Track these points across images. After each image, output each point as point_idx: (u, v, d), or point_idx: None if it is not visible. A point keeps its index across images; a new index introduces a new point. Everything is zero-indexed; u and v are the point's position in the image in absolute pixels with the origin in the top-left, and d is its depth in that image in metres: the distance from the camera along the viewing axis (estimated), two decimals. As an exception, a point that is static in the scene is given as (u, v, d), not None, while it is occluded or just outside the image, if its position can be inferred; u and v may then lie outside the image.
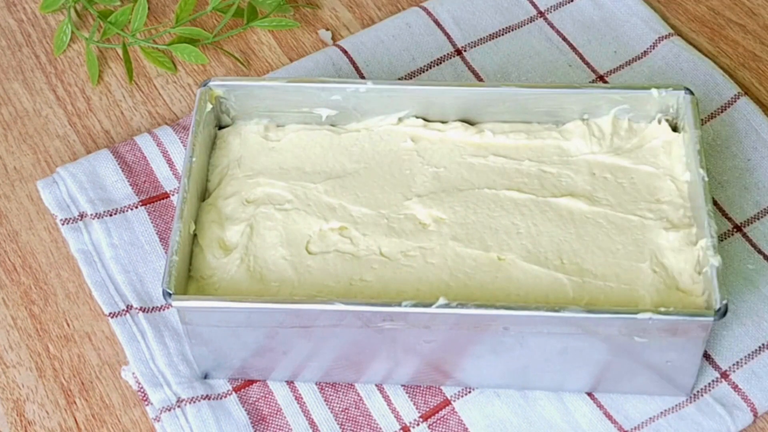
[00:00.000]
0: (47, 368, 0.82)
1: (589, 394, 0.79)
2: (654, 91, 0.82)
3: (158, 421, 0.79)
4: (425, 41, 0.97)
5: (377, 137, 0.84)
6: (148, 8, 0.99)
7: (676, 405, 0.78)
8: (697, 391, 0.78)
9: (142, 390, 0.80)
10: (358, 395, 0.80)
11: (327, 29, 1.00)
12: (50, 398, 0.81)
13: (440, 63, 0.96)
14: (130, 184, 0.89)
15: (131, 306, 0.83)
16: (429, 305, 0.73)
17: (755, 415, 0.78)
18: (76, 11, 1.01)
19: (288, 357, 0.78)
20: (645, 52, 0.95)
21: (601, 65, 0.95)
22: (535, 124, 0.84)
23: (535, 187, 0.81)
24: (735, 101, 0.91)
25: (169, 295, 0.74)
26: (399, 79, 0.95)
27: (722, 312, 0.72)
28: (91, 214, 0.87)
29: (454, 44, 0.97)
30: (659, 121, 0.83)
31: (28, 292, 0.86)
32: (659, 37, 0.96)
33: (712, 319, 0.71)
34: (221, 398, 0.80)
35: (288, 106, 0.84)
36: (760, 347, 0.80)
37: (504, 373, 0.78)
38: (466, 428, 0.78)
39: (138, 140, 0.91)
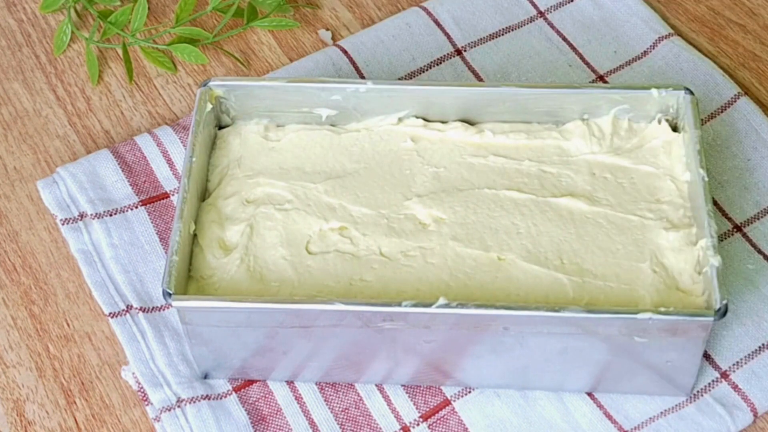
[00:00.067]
0: (47, 368, 0.82)
1: (589, 394, 0.79)
2: (654, 91, 0.82)
3: (158, 421, 0.79)
4: (425, 41, 0.97)
5: (377, 137, 0.84)
6: (148, 8, 0.99)
7: (676, 405, 0.78)
8: (697, 391, 0.78)
9: (142, 390, 0.80)
10: (358, 395, 0.80)
11: (327, 29, 1.00)
12: (50, 398, 0.81)
13: (440, 63, 0.96)
14: (130, 184, 0.89)
15: (131, 306, 0.83)
16: (429, 305, 0.73)
17: (755, 415, 0.78)
18: (76, 11, 1.01)
19: (288, 357, 0.78)
20: (645, 52, 0.95)
21: (601, 65, 0.95)
22: (535, 124, 0.84)
23: (535, 187, 0.81)
24: (735, 101, 0.91)
25: (169, 295, 0.74)
26: (399, 79, 0.95)
27: (722, 312, 0.72)
28: (91, 214, 0.87)
29: (454, 44, 0.97)
30: (659, 121, 0.83)
31: (28, 292, 0.86)
32: (659, 37, 0.96)
33: (712, 319, 0.71)
34: (221, 398, 0.80)
35: (288, 106, 0.84)
36: (760, 347, 0.80)
37: (504, 373, 0.78)
38: (466, 428, 0.78)
39: (138, 140, 0.91)
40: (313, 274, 0.77)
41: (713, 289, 0.72)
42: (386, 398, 0.79)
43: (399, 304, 0.73)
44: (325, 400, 0.79)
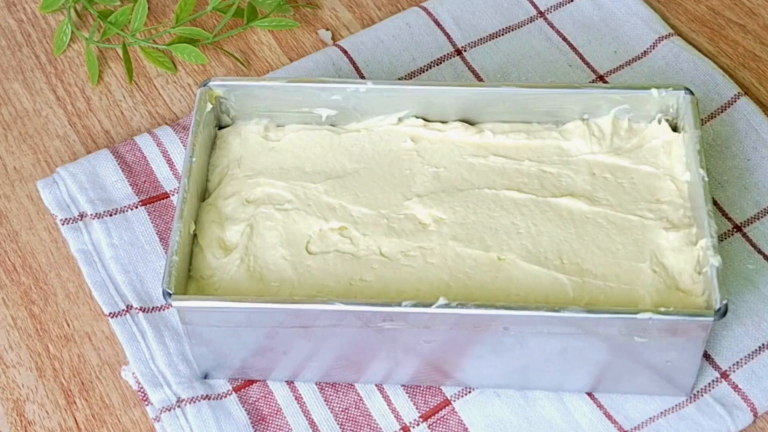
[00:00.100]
0: (47, 368, 0.82)
1: (589, 394, 0.79)
2: (654, 91, 0.82)
3: (158, 421, 0.79)
4: (425, 41, 0.97)
5: (377, 137, 0.84)
6: (148, 8, 0.99)
7: (676, 405, 0.78)
8: (697, 391, 0.78)
9: (142, 390, 0.80)
10: (358, 395, 0.80)
11: (327, 29, 1.00)
12: (50, 398, 0.81)
13: (440, 63, 0.96)
14: (130, 184, 0.89)
15: (131, 306, 0.83)
16: (429, 305, 0.73)
17: (755, 415, 0.78)
18: (76, 11, 1.01)
19: (288, 357, 0.78)
20: (645, 52, 0.95)
21: (601, 65, 0.95)
22: (535, 124, 0.84)
23: (535, 187, 0.81)
24: (735, 101, 0.91)
25: (169, 295, 0.74)
26: (399, 79, 0.95)
27: (722, 312, 0.72)
28: (91, 214, 0.87)
29: (454, 44, 0.97)
30: (659, 121, 0.83)
31: (28, 292, 0.86)
32: (659, 37, 0.96)
33: (712, 319, 0.71)
34: (221, 398, 0.80)
35: (288, 106, 0.84)
36: (760, 347, 0.80)
37: (504, 373, 0.78)
38: (466, 428, 0.78)
39: (138, 140, 0.91)
40: (313, 274, 0.77)
41: (713, 289, 0.72)
42: (386, 398, 0.79)
43: (399, 304, 0.73)
44: (325, 400, 0.79)
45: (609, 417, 0.78)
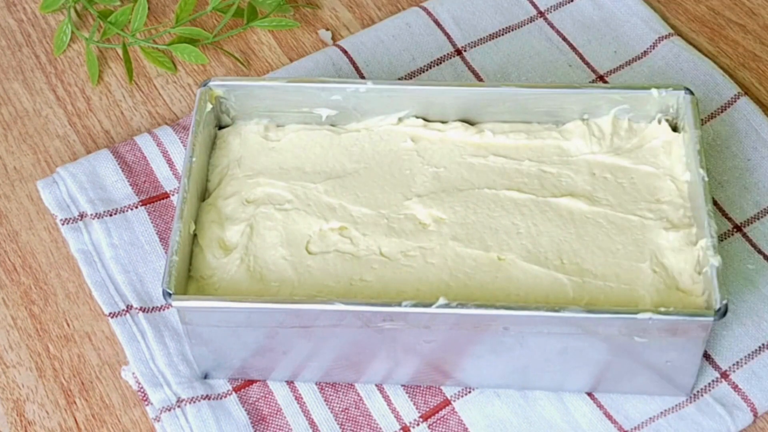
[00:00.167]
0: (47, 368, 0.82)
1: (589, 394, 0.79)
2: (654, 91, 0.82)
3: (158, 421, 0.79)
4: (425, 41, 0.97)
5: (377, 137, 0.84)
6: (148, 8, 0.99)
7: (676, 405, 0.78)
8: (697, 391, 0.78)
9: (142, 390, 0.80)
10: (358, 395, 0.80)
11: (327, 29, 1.00)
12: (50, 398, 0.81)
13: (440, 63, 0.96)
14: (130, 184, 0.89)
15: (131, 306, 0.83)
16: (429, 305, 0.73)
17: (755, 415, 0.78)
18: (76, 11, 1.01)
19: (288, 357, 0.78)
20: (645, 52, 0.95)
21: (601, 65, 0.95)
22: (535, 124, 0.84)
23: (535, 187, 0.81)
24: (735, 101, 0.91)
25: (169, 295, 0.74)
26: (399, 79, 0.95)
27: (722, 312, 0.72)
28: (91, 214, 0.87)
29: (454, 44, 0.97)
30: (659, 121, 0.83)
31: (28, 292, 0.86)
32: (659, 37, 0.96)
33: (712, 319, 0.71)
34: (221, 398, 0.80)
35: (288, 106, 0.84)
36: (760, 347, 0.80)
37: (504, 373, 0.78)
38: (466, 428, 0.78)
39: (138, 140, 0.91)
40: (313, 274, 0.77)
41: (713, 289, 0.72)
42: (386, 398, 0.79)
43: (399, 304, 0.73)
44: (325, 400, 0.79)
45: (609, 417, 0.78)
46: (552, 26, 0.97)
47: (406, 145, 0.84)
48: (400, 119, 0.84)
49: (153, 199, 0.88)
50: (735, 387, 0.78)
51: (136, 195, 0.89)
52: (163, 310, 0.83)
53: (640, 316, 0.71)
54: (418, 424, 0.78)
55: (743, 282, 0.82)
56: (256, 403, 0.80)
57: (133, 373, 0.81)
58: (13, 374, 0.82)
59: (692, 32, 0.98)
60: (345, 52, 0.96)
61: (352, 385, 0.80)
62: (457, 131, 0.84)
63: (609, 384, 0.78)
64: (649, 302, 0.75)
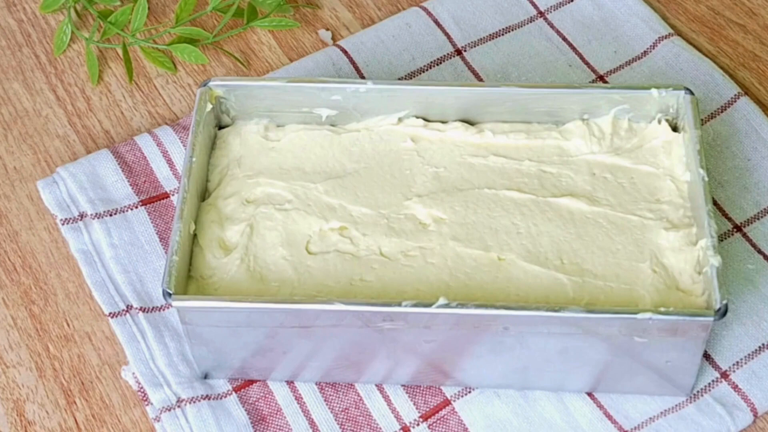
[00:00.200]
0: (47, 368, 0.82)
1: (589, 394, 0.79)
2: (654, 91, 0.82)
3: (158, 421, 0.79)
4: (425, 41, 0.97)
5: (377, 137, 0.84)
6: (148, 8, 0.99)
7: (676, 405, 0.78)
8: (697, 391, 0.78)
9: (142, 390, 0.80)
10: (358, 395, 0.80)
11: (327, 29, 1.00)
12: (50, 398, 0.81)
13: (440, 63, 0.96)
14: (130, 184, 0.89)
15: (131, 306, 0.83)
16: (429, 305, 0.73)
17: (755, 415, 0.78)
18: (76, 11, 1.01)
19: (288, 357, 0.78)
20: (645, 52, 0.95)
21: (601, 65, 0.95)
22: (535, 124, 0.84)
23: (535, 187, 0.81)
24: (735, 101, 0.91)
25: (169, 295, 0.74)
26: (399, 79, 0.95)
27: (722, 312, 0.72)
28: (91, 214, 0.87)
29: (454, 44, 0.97)
30: (659, 121, 0.83)
31: (28, 292, 0.86)
32: (659, 37, 0.96)
33: (712, 319, 0.71)
34: (221, 398, 0.80)
35: (288, 106, 0.84)
36: (760, 347, 0.80)
37: (504, 373, 0.78)
38: (466, 428, 0.78)
39: (138, 140, 0.91)
40: (313, 274, 0.77)
41: (713, 289, 0.72)
42: (386, 398, 0.79)
43: (399, 304, 0.73)
44: (325, 400, 0.79)
45: (609, 417, 0.78)
46: (552, 26, 0.97)
47: (406, 145, 0.84)
48: (400, 119, 0.84)
49: (153, 199, 0.88)
50: (735, 387, 0.78)
51: (136, 195, 0.89)
52: (163, 310, 0.83)
53: (640, 316, 0.71)
54: (418, 424, 0.78)
55: (743, 282, 0.82)
56: (256, 403, 0.80)
57: (133, 373, 0.81)
58: (13, 374, 0.82)
59: (692, 32, 0.98)
60: (345, 52, 0.96)
61: (352, 385, 0.80)
62: (457, 131, 0.84)
63: (609, 384, 0.78)
64: (649, 302, 0.75)
